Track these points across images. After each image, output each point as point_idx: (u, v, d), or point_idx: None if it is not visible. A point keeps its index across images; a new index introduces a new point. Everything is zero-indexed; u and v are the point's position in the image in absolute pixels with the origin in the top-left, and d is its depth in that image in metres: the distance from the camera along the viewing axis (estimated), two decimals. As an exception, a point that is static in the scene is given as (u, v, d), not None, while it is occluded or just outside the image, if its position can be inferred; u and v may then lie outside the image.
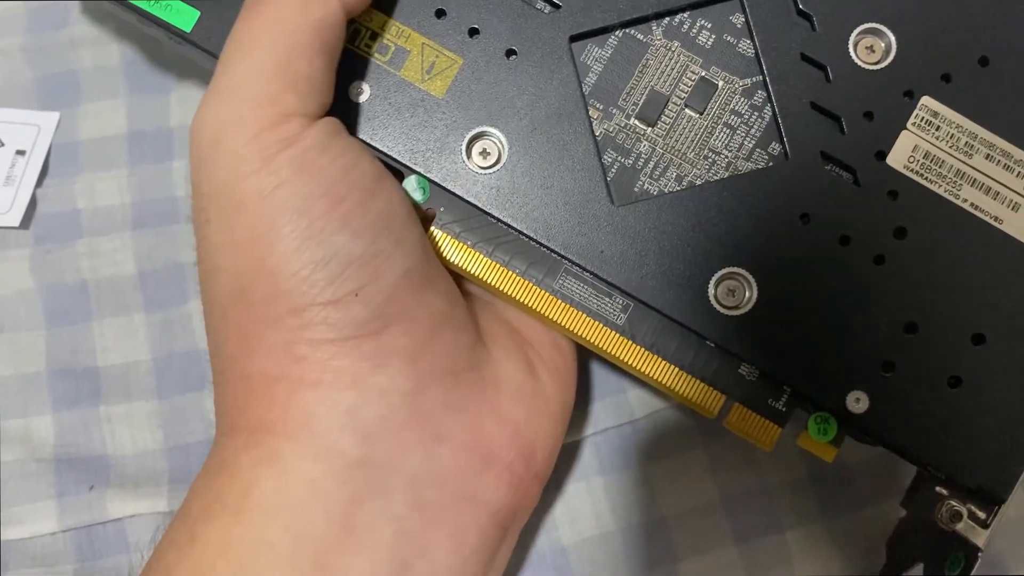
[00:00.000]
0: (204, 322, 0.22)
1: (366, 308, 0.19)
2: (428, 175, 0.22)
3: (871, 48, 0.21)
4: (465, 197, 0.22)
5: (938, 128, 0.21)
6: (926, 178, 0.21)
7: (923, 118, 0.21)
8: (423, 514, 0.20)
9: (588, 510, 0.27)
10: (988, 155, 0.21)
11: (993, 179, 0.21)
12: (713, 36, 0.22)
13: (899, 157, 0.21)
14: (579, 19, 0.22)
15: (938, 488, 0.22)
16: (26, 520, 0.27)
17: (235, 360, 0.20)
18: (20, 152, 0.32)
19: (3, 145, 0.33)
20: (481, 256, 0.22)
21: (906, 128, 0.21)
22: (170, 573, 0.19)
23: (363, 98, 0.22)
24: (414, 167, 0.22)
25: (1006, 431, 0.21)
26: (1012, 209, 0.21)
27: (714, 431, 0.28)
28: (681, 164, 0.22)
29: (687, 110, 0.22)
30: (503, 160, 0.21)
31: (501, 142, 0.22)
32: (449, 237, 0.22)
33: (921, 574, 0.22)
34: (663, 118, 0.22)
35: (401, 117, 0.22)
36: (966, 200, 0.21)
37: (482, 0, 0.22)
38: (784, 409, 0.22)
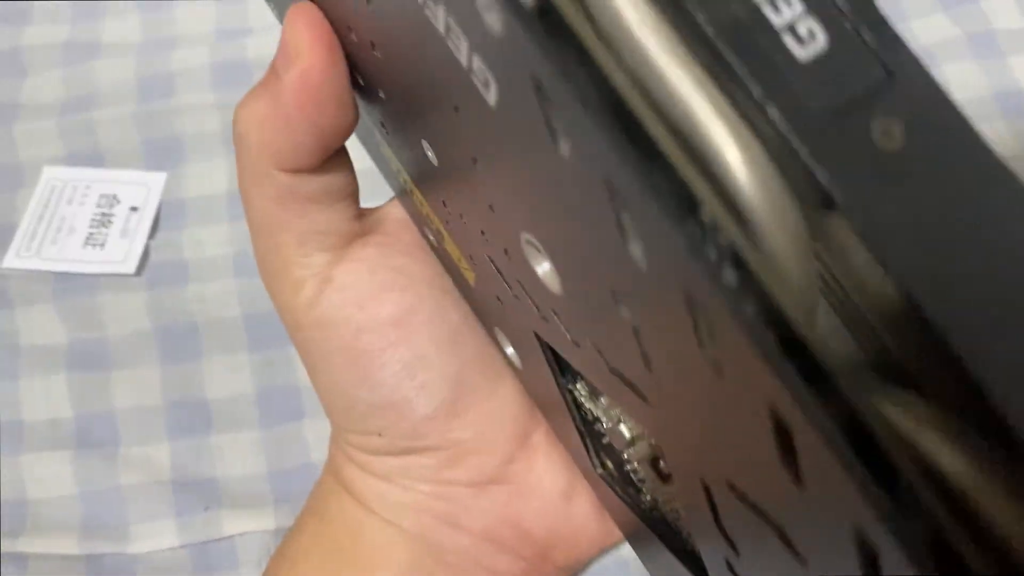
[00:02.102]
0: None
1: (388, 444, 0.20)
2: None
3: None
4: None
5: None
6: None
7: None
8: (443, 566, 0.21)
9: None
10: None
11: None
12: None
13: None
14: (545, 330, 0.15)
15: None
16: (149, 536, 0.29)
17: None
18: (133, 208, 0.34)
19: (119, 202, 0.36)
20: None
21: None
22: (289, 546, 0.23)
23: (432, 240, 0.19)
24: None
25: None
26: None
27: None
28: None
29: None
30: (518, 364, 0.20)
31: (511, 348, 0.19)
32: None
33: None
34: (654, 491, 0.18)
35: (453, 275, 0.20)
36: None
37: (475, 241, 0.16)
38: None
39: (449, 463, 0.20)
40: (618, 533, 0.22)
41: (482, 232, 0.15)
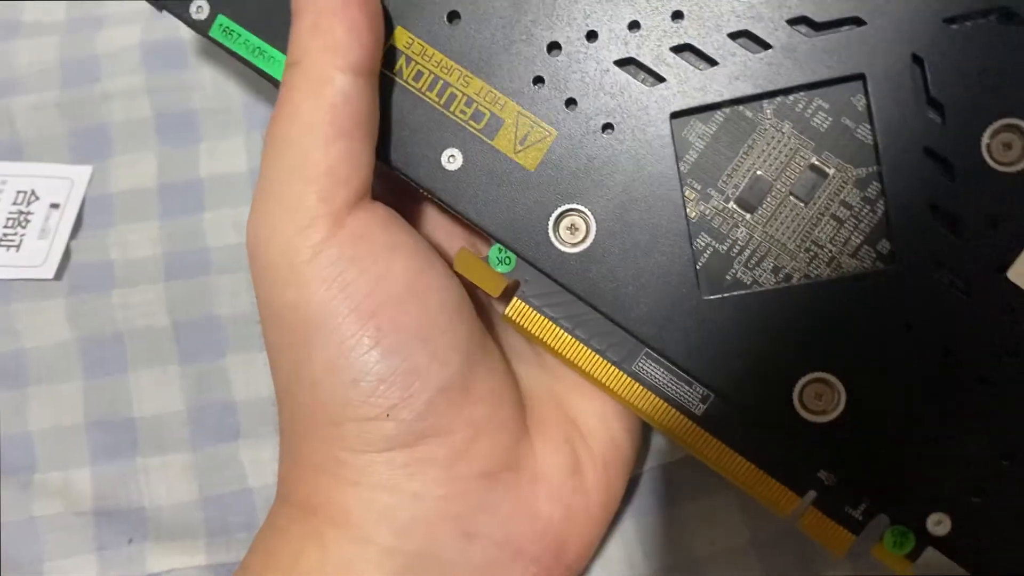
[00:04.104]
0: None
1: (398, 426, 0.18)
2: (514, 248, 0.20)
3: (1008, 146, 0.17)
4: (549, 273, 0.20)
5: None
6: None
7: None
8: None
9: (620, 555, 0.24)
10: None
11: None
12: (830, 119, 0.19)
13: (1023, 272, 0.18)
14: (683, 95, 0.19)
15: None
16: (68, 574, 0.25)
17: (290, 443, 0.19)
18: (54, 205, 0.30)
19: (38, 199, 0.31)
20: (560, 331, 0.20)
21: None
22: None
23: (454, 166, 0.20)
24: (500, 238, 0.20)
25: None
26: None
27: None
28: (779, 255, 0.19)
29: (792, 198, 0.19)
30: (590, 238, 0.19)
31: (589, 220, 0.19)
32: (530, 309, 0.20)
33: None
34: (764, 204, 0.19)
35: (490, 188, 0.20)
36: None
37: (582, 71, 0.19)
38: (861, 518, 0.20)
39: (462, 451, 0.19)
40: (622, 490, 0.22)
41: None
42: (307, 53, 0.18)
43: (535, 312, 0.20)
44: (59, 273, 0.29)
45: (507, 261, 0.20)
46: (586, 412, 0.22)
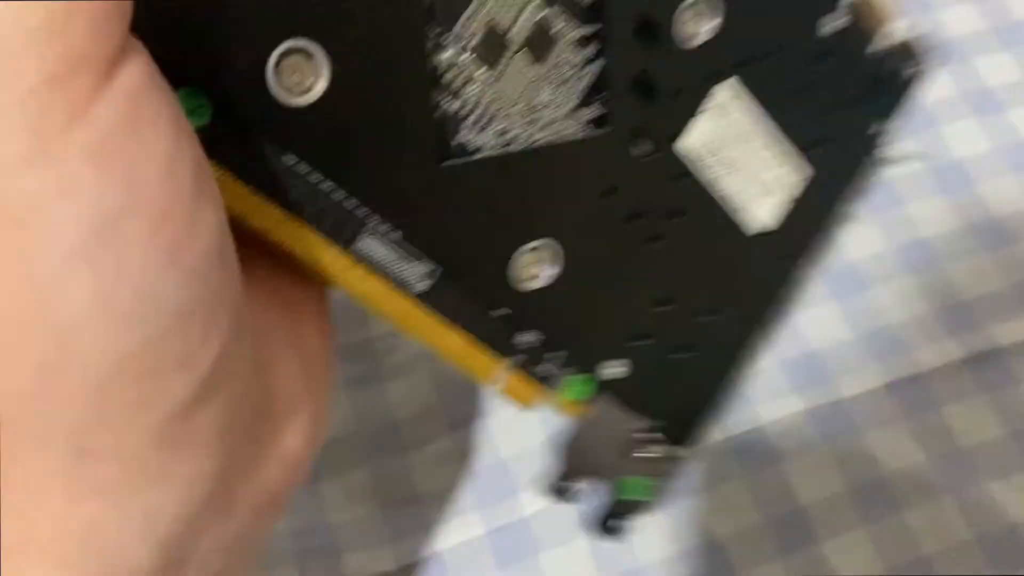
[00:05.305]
0: None
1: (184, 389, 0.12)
2: (215, 93, 0.14)
3: (699, 16, 0.19)
4: (263, 128, 0.15)
5: (731, 115, 0.20)
6: (706, 163, 0.20)
7: (720, 103, 0.20)
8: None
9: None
10: (765, 144, 0.21)
11: (756, 169, 0.21)
12: None
13: (692, 141, 0.20)
14: None
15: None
16: None
17: None
18: None
19: None
20: (269, 205, 0.15)
21: (705, 111, 0.20)
22: None
23: None
24: (198, 79, 0.14)
25: (709, 387, 0.23)
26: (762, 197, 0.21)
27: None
28: (507, 116, 0.18)
29: (522, 53, 0.18)
30: (319, 86, 0.15)
31: (320, 63, 0.15)
32: (228, 176, 0.14)
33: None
34: (499, 59, 0.18)
35: (197, 14, 0.13)
36: (729, 187, 0.21)
37: None
38: (549, 375, 0.21)
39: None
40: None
41: None
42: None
43: (234, 180, 0.15)
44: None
45: (199, 113, 0.14)
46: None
